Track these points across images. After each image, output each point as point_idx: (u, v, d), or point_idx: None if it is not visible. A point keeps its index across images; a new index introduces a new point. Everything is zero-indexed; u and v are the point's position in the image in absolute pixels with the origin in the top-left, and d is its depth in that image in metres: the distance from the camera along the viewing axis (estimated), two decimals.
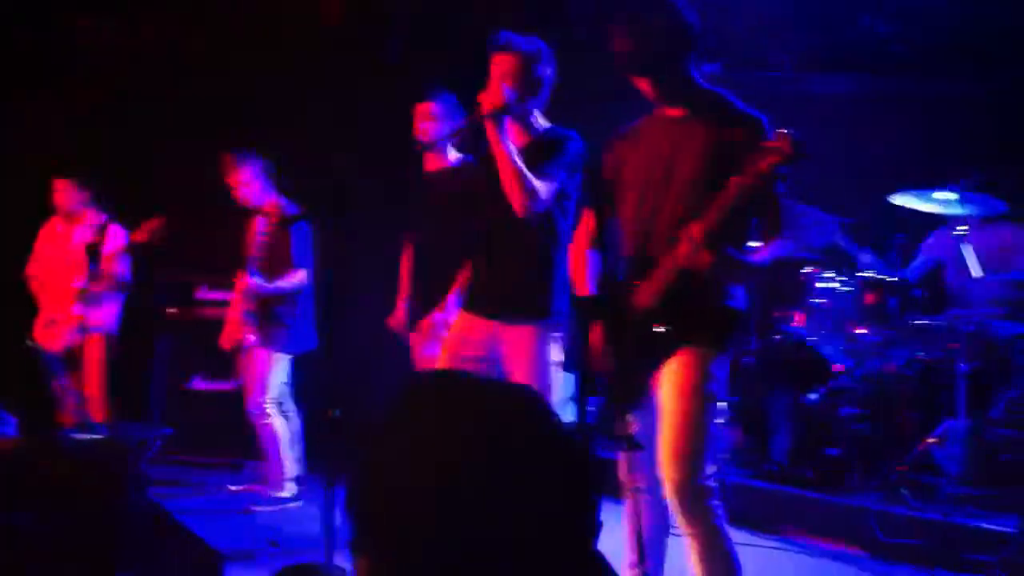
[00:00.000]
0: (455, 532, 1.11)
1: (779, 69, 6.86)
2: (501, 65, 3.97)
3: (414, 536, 1.12)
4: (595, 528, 1.22)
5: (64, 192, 6.89)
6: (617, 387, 3.31)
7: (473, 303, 4.24)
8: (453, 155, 5.30)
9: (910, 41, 6.86)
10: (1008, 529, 4.63)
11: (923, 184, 5.76)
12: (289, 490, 5.93)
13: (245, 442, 6.37)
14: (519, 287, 4.10)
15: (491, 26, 4.11)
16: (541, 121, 4.14)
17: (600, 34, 3.41)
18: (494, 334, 4.12)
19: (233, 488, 6.25)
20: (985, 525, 4.86)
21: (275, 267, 5.92)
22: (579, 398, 3.00)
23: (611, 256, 3.33)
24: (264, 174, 6.13)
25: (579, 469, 1.19)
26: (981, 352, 5.58)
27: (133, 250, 6.67)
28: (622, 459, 3.44)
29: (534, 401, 1.21)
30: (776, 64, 6.90)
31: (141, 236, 6.45)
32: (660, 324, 3.25)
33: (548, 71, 4.08)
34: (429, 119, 5.30)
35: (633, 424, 3.20)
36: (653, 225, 3.34)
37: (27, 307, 6.94)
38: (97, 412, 6.52)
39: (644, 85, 3.38)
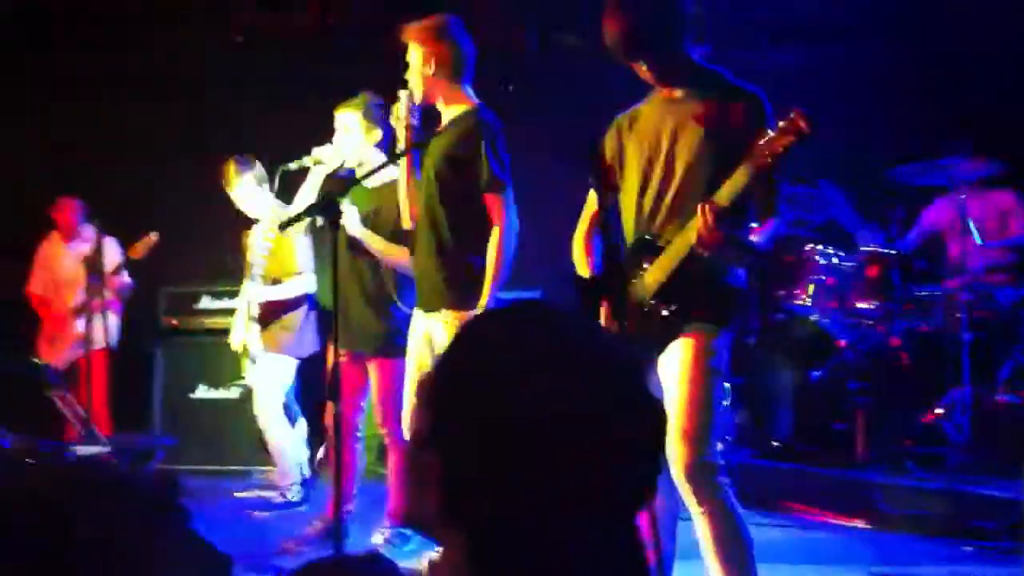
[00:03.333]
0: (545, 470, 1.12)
1: (755, 46, 6.83)
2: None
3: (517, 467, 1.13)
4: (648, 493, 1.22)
5: (67, 209, 6.91)
6: None
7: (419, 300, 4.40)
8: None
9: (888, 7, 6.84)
10: (1014, 496, 4.62)
11: (916, 153, 5.75)
12: (296, 494, 5.92)
13: (250, 449, 6.37)
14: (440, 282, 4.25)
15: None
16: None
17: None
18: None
19: (239, 494, 6.24)
20: (991, 492, 4.86)
21: (278, 272, 5.91)
22: None
23: (614, 237, 3.31)
24: (261, 181, 6.13)
25: (653, 423, 1.20)
26: (983, 320, 5.58)
27: (130, 265, 6.68)
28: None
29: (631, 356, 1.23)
30: (752, 39, 6.88)
31: (136, 253, 6.45)
32: (664, 304, 3.24)
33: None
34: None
35: None
36: (657, 206, 3.33)
37: (30, 324, 6.95)
38: (101, 426, 6.51)
39: (640, 68, 3.36)
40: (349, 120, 4.99)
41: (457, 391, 1.17)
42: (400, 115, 4.26)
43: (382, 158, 4.88)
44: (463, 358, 1.20)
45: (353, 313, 4.90)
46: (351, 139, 4.97)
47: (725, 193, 3.09)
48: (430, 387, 1.19)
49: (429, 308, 4.28)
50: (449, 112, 4.30)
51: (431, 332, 4.25)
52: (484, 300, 4.08)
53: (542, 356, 1.15)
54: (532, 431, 1.12)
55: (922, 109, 6.57)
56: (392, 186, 4.63)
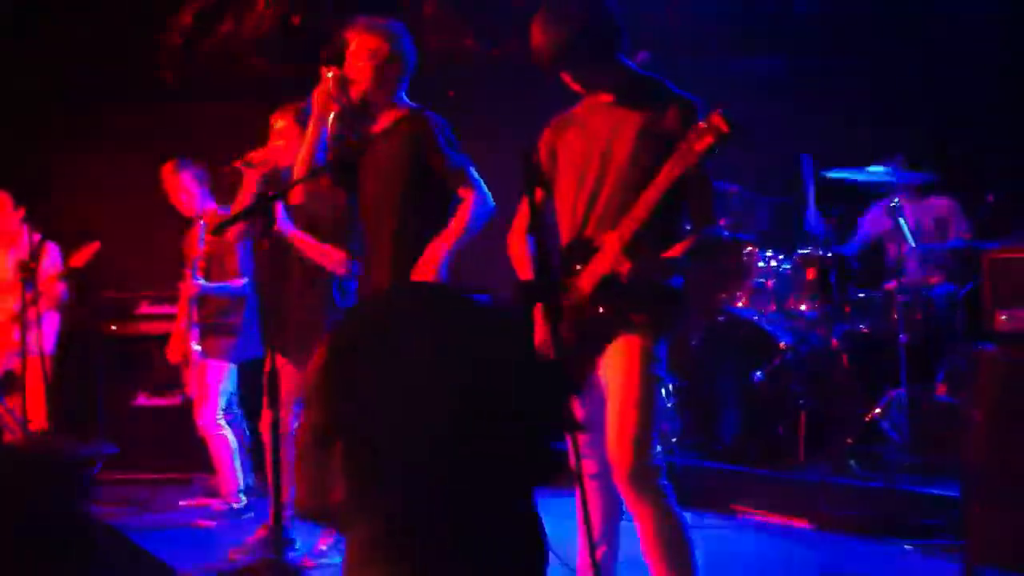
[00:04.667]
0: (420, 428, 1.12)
1: (703, 52, 6.90)
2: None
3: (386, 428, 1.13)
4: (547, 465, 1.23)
5: (1, 208, 6.80)
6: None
7: None
8: None
9: (830, 18, 6.93)
10: (953, 493, 4.70)
11: (854, 160, 5.83)
12: (240, 501, 5.88)
13: (193, 456, 6.31)
14: None
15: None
16: None
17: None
18: None
19: (184, 503, 6.18)
20: (931, 491, 4.93)
21: (218, 274, 5.89)
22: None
23: (547, 240, 3.32)
24: (201, 181, 6.12)
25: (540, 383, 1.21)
26: (920, 322, 5.67)
27: (70, 273, 6.60)
28: (570, 446, 3.43)
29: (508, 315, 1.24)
30: (699, 47, 6.94)
31: (78, 261, 6.38)
32: (599, 307, 3.26)
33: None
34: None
35: (577, 409, 3.20)
36: (591, 209, 3.35)
37: None
38: (43, 434, 6.41)
39: (569, 78, 3.38)
40: (284, 125, 4.99)
41: (349, 379, 1.17)
42: (331, 91, 4.21)
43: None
44: (347, 346, 1.20)
45: (291, 315, 4.88)
46: (285, 143, 4.95)
47: (639, 211, 3.12)
48: (322, 380, 1.19)
49: None
50: (391, 113, 4.29)
51: None
52: (435, 256, 4.00)
53: (424, 334, 1.15)
54: (429, 412, 1.12)
55: (861, 116, 6.67)
56: (326, 189, 4.63)
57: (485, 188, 4.17)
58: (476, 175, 4.18)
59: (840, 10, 6.92)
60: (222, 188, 6.08)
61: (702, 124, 3.01)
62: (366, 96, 4.24)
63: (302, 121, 4.91)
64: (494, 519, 1.17)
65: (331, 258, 4.82)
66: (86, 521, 2.00)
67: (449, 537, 1.15)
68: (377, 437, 1.14)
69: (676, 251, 3.28)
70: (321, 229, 4.87)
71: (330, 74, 4.19)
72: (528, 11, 3.35)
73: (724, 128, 2.97)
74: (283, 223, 4.76)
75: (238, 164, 4.82)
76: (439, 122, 4.21)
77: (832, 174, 5.88)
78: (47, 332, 6.70)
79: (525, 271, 3.58)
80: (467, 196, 4.14)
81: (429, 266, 3.98)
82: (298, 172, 4.29)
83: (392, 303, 1.24)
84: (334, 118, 4.24)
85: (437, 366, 1.15)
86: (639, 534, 3.25)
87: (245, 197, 4.91)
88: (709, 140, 2.99)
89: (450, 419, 1.14)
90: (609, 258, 3.18)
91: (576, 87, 3.40)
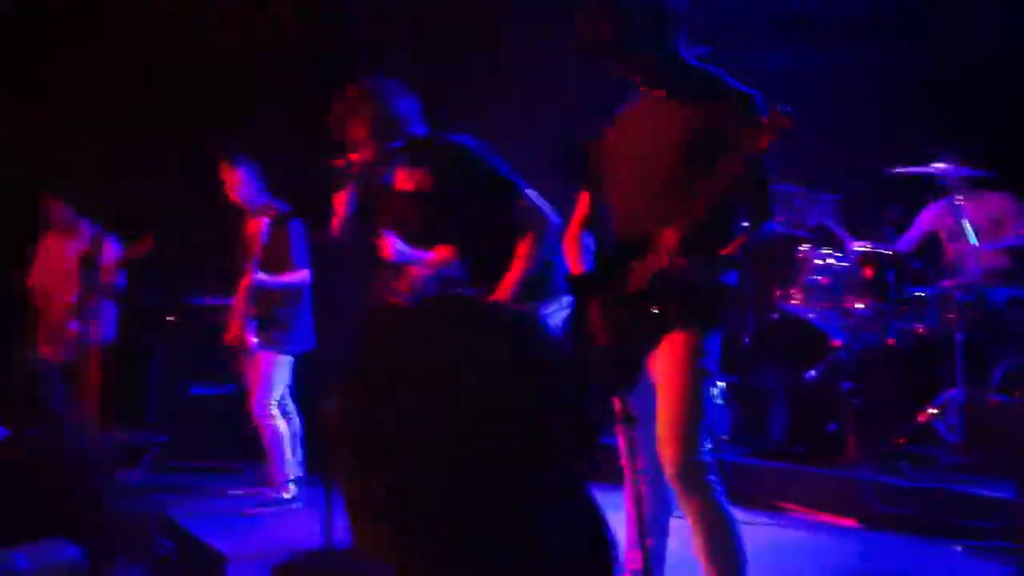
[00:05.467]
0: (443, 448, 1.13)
1: (754, 47, 6.84)
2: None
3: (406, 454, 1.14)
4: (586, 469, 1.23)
5: (53, 209, 6.92)
6: (611, 367, 3.30)
7: None
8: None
9: (880, 8, 6.84)
10: (1007, 496, 4.63)
11: (913, 156, 5.76)
12: (290, 492, 5.93)
13: (245, 446, 6.38)
14: None
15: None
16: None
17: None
18: None
19: (234, 492, 6.24)
20: (983, 492, 4.87)
21: (275, 267, 5.94)
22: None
23: (604, 236, 3.31)
24: (257, 176, 6.17)
25: (574, 397, 1.21)
26: (977, 321, 5.59)
27: (127, 265, 6.70)
28: (621, 442, 3.43)
29: (534, 327, 1.24)
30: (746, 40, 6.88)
31: (134, 253, 6.47)
32: (652, 303, 3.25)
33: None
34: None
35: (629, 404, 3.19)
36: (643, 206, 3.33)
37: (28, 320, 6.94)
38: (96, 421, 6.51)
39: (625, 70, 3.36)
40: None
41: (371, 417, 1.17)
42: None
43: None
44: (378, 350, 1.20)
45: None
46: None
47: (691, 213, 3.11)
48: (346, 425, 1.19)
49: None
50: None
51: None
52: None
53: (438, 347, 1.16)
54: (455, 425, 1.12)
55: (919, 113, 6.57)
56: None
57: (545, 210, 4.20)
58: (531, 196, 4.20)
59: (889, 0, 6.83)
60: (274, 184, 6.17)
61: (764, 121, 2.98)
62: (375, 160, 4.31)
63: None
64: (552, 516, 1.18)
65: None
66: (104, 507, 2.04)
67: (508, 545, 1.16)
68: (410, 461, 1.15)
69: (732, 248, 3.26)
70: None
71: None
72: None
73: (786, 125, 2.94)
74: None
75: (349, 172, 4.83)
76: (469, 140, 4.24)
77: (888, 171, 5.82)
78: (105, 323, 6.81)
79: (578, 265, 3.59)
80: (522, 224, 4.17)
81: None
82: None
83: (393, 328, 1.24)
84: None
85: (456, 375, 1.16)
86: (689, 530, 3.24)
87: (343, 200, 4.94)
88: (771, 137, 2.96)
89: (479, 427, 1.14)
90: (664, 256, 3.16)
91: (634, 79, 3.39)
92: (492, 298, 4.06)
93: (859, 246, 5.98)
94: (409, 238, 4.77)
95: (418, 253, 4.83)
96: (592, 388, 2.45)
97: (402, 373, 1.18)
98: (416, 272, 4.57)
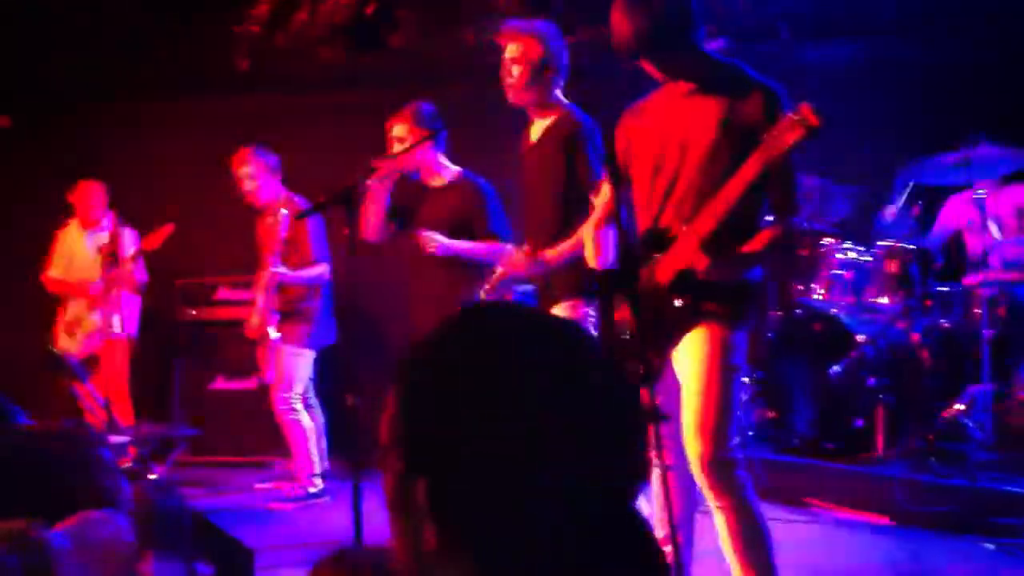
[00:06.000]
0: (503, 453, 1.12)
1: (776, 39, 6.81)
2: None
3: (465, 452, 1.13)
4: (636, 475, 1.22)
5: (92, 194, 6.93)
6: (636, 361, 3.29)
7: None
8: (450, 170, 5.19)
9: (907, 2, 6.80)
10: None
11: (933, 149, 5.72)
12: (316, 485, 5.94)
13: (269, 440, 6.40)
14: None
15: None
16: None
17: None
18: None
19: (260, 486, 6.26)
20: (1013, 489, 4.83)
21: (295, 261, 5.95)
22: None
23: (626, 230, 3.30)
24: (274, 170, 6.18)
25: (621, 406, 1.19)
26: (1003, 316, 5.55)
27: (145, 256, 6.71)
28: (648, 437, 3.42)
29: (580, 333, 1.22)
30: (772, 34, 6.85)
31: (151, 244, 6.48)
32: (677, 296, 3.24)
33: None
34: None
35: (656, 398, 3.18)
36: (668, 199, 3.33)
37: (49, 312, 6.97)
38: (121, 416, 6.54)
39: (650, 65, 3.35)
40: (402, 129, 5.07)
41: (424, 413, 1.17)
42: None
43: (440, 159, 5.12)
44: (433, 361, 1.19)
45: (431, 291, 4.94)
46: (406, 147, 4.99)
47: (713, 210, 3.09)
48: (397, 419, 1.18)
49: (553, 301, 4.33)
50: (546, 114, 4.45)
51: None
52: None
53: (498, 353, 1.15)
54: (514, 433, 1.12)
55: (940, 106, 6.52)
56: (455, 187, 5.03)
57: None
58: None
59: None
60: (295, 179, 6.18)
61: (791, 116, 2.96)
62: (520, 100, 4.39)
63: (420, 122, 4.99)
64: (606, 538, 1.16)
65: (494, 252, 4.84)
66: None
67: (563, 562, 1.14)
68: (463, 467, 1.13)
69: (756, 244, 3.24)
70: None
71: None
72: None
73: (813, 121, 2.92)
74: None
75: (369, 181, 4.83)
76: (589, 127, 4.31)
77: (916, 170, 5.79)
78: (128, 315, 6.83)
79: (602, 260, 3.58)
80: None
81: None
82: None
83: (456, 329, 1.22)
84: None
85: (516, 384, 1.14)
86: (717, 525, 3.23)
87: (370, 208, 4.95)
88: (799, 133, 2.94)
89: (537, 437, 1.13)
90: (687, 253, 3.15)
91: (656, 75, 3.38)
92: (543, 257, 4.14)
93: (883, 241, 5.94)
94: (448, 234, 4.83)
95: (465, 245, 4.87)
96: (634, 392, 2.43)
97: (458, 376, 1.17)
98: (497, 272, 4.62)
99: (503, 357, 1.13)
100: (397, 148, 5.00)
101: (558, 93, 4.41)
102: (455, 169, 5.10)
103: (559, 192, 4.31)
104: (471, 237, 4.90)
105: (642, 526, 1.20)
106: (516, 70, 4.32)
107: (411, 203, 5.08)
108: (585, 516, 1.14)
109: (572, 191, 4.27)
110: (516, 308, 1.25)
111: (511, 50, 4.35)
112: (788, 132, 2.96)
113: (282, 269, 5.88)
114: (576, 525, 1.13)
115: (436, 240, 4.85)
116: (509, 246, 4.65)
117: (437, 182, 5.09)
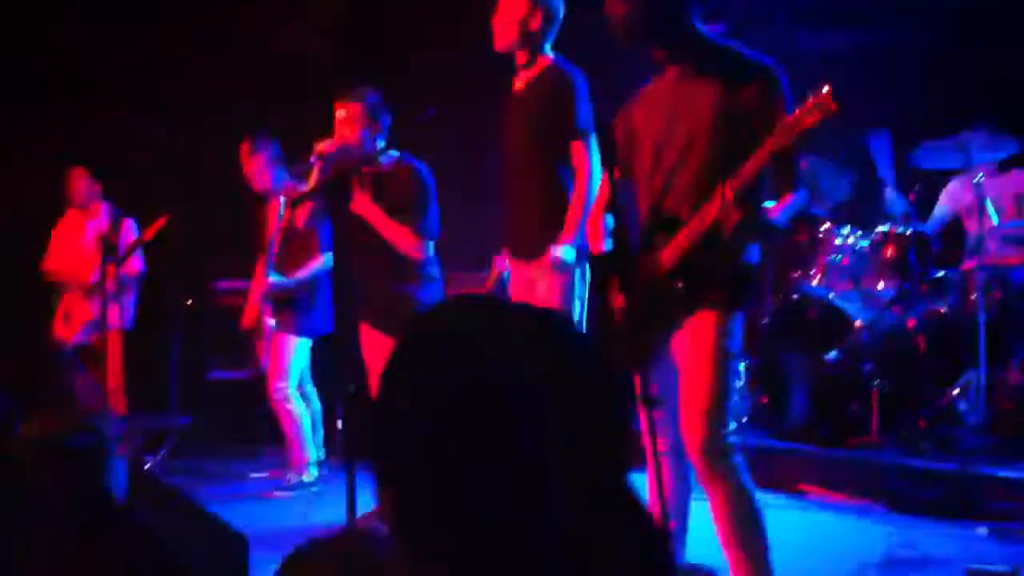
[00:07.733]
0: (473, 458, 1.10)
1: (775, 25, 6.80)
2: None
3: (429, 462, 1.11)
4: (624, 456, 1.21)
5: (79, 181, 6.93)
6: (633, 347, 3.28)
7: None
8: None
9: None
10: None
11: (931, 135, 5.71)
12: (311, 474, 5.94)
13: (265, 429, 6.40)
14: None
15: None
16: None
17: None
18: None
19: (255, 475, 6.26)
20: (1007, 474, 4.83)
21: (301, 252, 5.92)
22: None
23: (625, 216, 3.29)
24: (277, 160, 6.16)
25: (607, 392, 1.18)
26: (999, 302, 5.55)
27: (141, 246, 6.71)
28: (642, 422, 3.42)
29: (557, 321, 1.21)
30: (771, 20, 6.84)
31: (148, 235, 6.47)
32: (677, 282, 3.23)
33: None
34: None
35: (650, 384, 3.17)
36: (669, 184, 3.31)
37: (45, 302, 6.97)
38: (117, 405, 6.54)
39: (649, 49, 3.34)
40: (345, 113, 5.02)
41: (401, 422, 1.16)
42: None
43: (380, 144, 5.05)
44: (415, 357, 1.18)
45: (377, 291, 4.93)
46: (351, 129, 4.98)
47: (747, 172, 3.06)
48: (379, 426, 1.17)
49: (530, 255, 4.34)
50: (535, 67, 4.44)
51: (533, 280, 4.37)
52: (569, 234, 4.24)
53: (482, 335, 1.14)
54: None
55: (943, 92, 6.50)
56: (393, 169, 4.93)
57: (596, 162, 4.23)
58: (593, 146, 4.25)
59: None
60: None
61: (812, 100, 2.96)
62: (510, 51, 4.41)
63: (365, 106, 4.97)
64: (603, 524, 1.15)
65: (405, 240, 4.87)
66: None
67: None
68: (444, 472, 1.12)
69: (775, 210, 3.22)
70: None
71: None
72: None
73: (832, 106, 2.92)
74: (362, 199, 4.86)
75: (310, 158, 4.83)
76: (579, 78, 4.33)
77: (917, 155, 5.79)
78: (126, 305, 6.82)
79: (601, 245, 3.57)
80: (579, 166, 4.22)
81: (569, 235, 4.22)
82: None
83: (431, 328, 1.21)
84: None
85: (498, 383, 1.13)
86: (712, 511, 3.22)
87: (314, 188, 4.96)
88: (817, 117, 2.94)
89: (529, 435, 1.12)
90: (720, 208, 3.11)
91: (658, 59, 3.36)
92: (561, 240, 4.16)
93: (880, 226, 5.94)
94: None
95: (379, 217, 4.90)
96: (622, 380, 2.42)
97: (439, 375, 1.15)
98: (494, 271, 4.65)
99: (480, 353, 1.12)
100: (340, 130, 4.99)
101: (547, 47, 4.42)
102: (395, 154, 5.05)
103: (543, 143, 4.32)
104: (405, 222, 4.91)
105: (641, 511, 1.19)
106: (506, 23, 4.37)
107: (351, 186, 5.07)
108: (578, 505, 1.13)
109: (557, 141, 4.29)
110: (492, 301, 1.24)
111: (502, 2, 4.40)
112: (807, 116, 2.95)
113: (275, 278, 5.86)
114: (570, 515, 1.12)
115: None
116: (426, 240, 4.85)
117: (377, 167, 5.04)
